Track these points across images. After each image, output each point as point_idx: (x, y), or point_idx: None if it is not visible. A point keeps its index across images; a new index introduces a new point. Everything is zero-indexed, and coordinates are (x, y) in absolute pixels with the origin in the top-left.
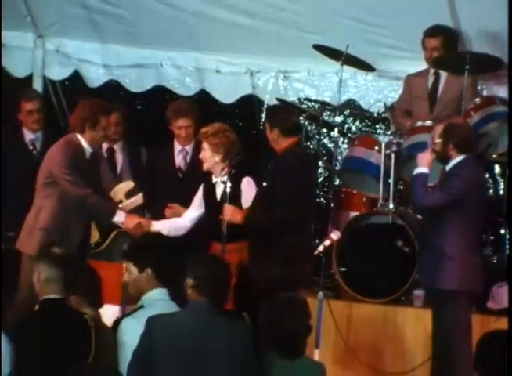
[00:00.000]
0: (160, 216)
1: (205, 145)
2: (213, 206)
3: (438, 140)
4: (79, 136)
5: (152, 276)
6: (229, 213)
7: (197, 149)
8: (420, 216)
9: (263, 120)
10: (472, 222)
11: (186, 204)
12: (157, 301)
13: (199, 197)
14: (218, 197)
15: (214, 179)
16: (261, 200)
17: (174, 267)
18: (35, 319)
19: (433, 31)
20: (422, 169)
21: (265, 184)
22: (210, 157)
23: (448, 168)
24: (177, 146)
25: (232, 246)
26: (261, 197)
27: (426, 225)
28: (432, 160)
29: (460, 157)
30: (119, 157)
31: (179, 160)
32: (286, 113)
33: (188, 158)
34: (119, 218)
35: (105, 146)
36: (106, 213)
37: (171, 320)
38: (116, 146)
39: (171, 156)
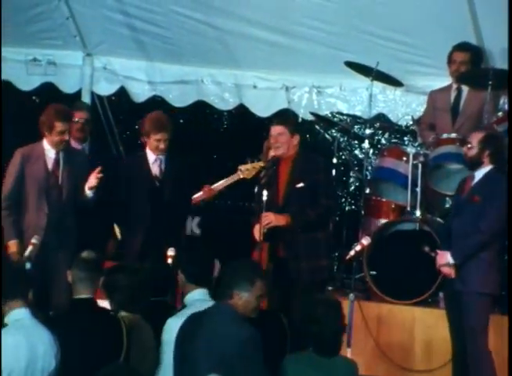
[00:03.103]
0: (134, 226)
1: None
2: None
3: (475, 145)
4: (44, 141)
5: (185, 279)
6: (272, 218)
7: (171, 157)
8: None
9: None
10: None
11: (164, 209)
12: (197, 301)
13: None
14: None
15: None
16: (302, 198)
17: (203, 271)
18: (65, 318)
19: (463, 46)
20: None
21: (301, 185)
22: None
23: (480, 174)
24: (151, 156)
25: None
26: (301, 195)
27: (460, 232)
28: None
29: (490, 166)
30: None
31: (155, 169)
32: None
33: (163, 166)
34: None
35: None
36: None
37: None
38: (84, 145)
39: (147, 165)
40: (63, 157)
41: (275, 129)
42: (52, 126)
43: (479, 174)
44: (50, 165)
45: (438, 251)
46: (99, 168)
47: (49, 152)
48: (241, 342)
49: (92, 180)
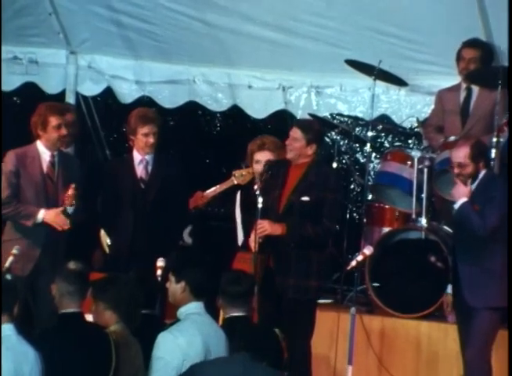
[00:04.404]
0: (119, 233)
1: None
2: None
3: (467, 162)
4: (38, 142)
5: (186, 289)
6: (267, 227)
7: (159, 159)
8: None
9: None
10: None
11: (150, 214)
12: (192, 314)
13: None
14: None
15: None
16: (304, 212)
17: (207, 283)
18: (52, 334)
19: (473, 42)
20: (463, 199)
21: (307, 199)
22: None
23: (475, 182)
24: (136, 157)
25: (248, 255)
26: (304, 210)
27: (471, 243)
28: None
29: (483, 172)
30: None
31: (140, 171)
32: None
33: (149, 169)
34: (40, 216)
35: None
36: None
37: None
38: (69, 150)
39: (132, 166)
40: (58, 160)
41: (293, 132)
42: (46, 122)
43: (474, 182)
44: (45, 168)
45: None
46: (73, 186)
47: (44, 154)
48: None
49: (67, 200)
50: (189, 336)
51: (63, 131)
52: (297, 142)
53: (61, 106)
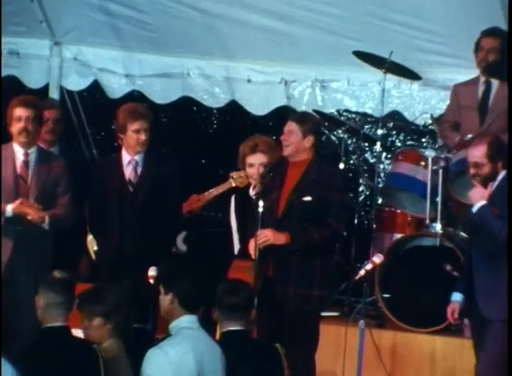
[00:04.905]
0: (107, 238)
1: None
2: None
3: (484, 161)
4: (14, 141)
5: (175, 301)
6: (270, 236)
7: (149, 159)
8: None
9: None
10: None
11: (140, 219)
12: (185, 329)
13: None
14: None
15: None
16: (305, 214)
17: (199, 295)
18: (36, 350)
19: (493, 31)
20: (481, 202)
21: (309, 198)
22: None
23: (494, 185)
24: (125, 157)
25: (245, 263)
26: (305, 211)
27: (489, 250)
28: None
29: (503, 173)
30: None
31: (129, 172)
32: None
33: (138, 170)
34: (8, 209)
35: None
36: None
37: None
38: (53, 149)
39: (120, 168)
40: (36, 159)
41: (287, 125)
42: (11, 115)
43: (493, 184)
44: (18, 168)
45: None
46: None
47: (18, 152)
48: None
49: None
50: (180, 352)
51: (28, 126)
52: (292, 136)
53: (32, 98)
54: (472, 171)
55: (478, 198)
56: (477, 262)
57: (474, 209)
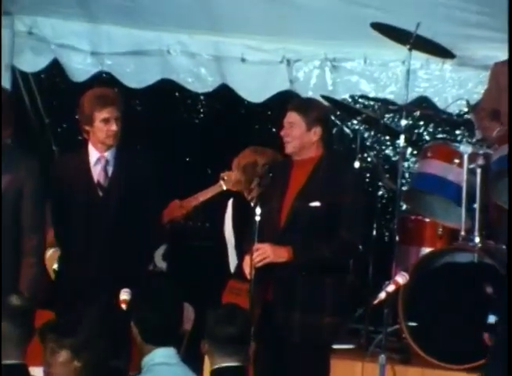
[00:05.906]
0: (64, 249)
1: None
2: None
3: None
4: None
5: (138, 334)
6: (269, 253)
7: (122, 156)
8: None
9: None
10: None
11: (110, 231)
12: (158, 365)
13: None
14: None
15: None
16: (313, 223)
17: (162, 325)
18: None
19: None
20: None
21: (317, 204)
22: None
23: None
24: (93, 154)
25: (244, 285)
26: (313, 219)
27: None
28: None
29: None
30: None
31: (98, 173)
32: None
33: (109, 170)
34: None
35: None
36: None
37: None
38: None
39: (87, 167)
40: None
41: (287, 117)
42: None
43: None
44: None
45: None
46: None
47: None
48: None
49: None
50: None
51: None
52: (295, 128)
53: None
54: None
55: None
56: None
57: None
